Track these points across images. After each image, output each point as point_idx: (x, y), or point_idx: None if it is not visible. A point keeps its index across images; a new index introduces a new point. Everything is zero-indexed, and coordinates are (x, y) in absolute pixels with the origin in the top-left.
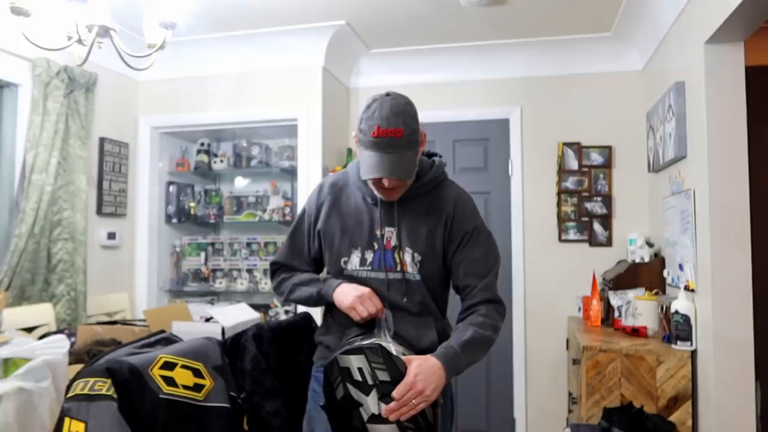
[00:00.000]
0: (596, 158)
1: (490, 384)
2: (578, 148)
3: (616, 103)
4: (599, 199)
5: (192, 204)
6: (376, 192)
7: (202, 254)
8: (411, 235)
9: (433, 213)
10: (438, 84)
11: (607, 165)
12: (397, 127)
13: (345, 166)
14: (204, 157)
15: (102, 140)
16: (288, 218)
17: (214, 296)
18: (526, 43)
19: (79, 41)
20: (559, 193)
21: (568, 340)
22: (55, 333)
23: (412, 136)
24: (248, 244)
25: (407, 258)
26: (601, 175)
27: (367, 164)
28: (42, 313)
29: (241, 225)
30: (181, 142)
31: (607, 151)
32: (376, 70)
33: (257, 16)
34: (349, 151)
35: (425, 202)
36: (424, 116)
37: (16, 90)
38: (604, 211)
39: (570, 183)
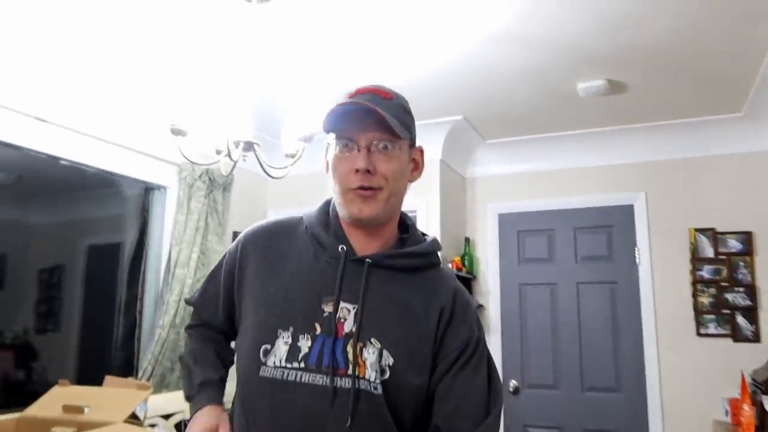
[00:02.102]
0: (734, 245)
1: None
2: (713, 235)
3: (752, 186)
4: (741, 289)
5: None
6: (349, 210)
7: None
8: (382, 320)
9: (423, 297)
10: (556, 171)
11: (748, 252)
12: (384, 90)
13: (463, 257)
14: None
15: (235, 234)
16: None
17: None
18: (647, 128)
19: (228, 155)
20: (694, 283)
21: None
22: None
23: (406, 115)
24: None
25: (369, 356)
26: (742, 264)
27: (330, 119)
28: (178, 400)
29: None
30: None
31: (747, 237)
32: (492, 159)
33: None
34: (467, 240)
35: (412, 279)
36: (542, 204)
37: (164, 192)
38: (748, 302)
39: (706, 272)
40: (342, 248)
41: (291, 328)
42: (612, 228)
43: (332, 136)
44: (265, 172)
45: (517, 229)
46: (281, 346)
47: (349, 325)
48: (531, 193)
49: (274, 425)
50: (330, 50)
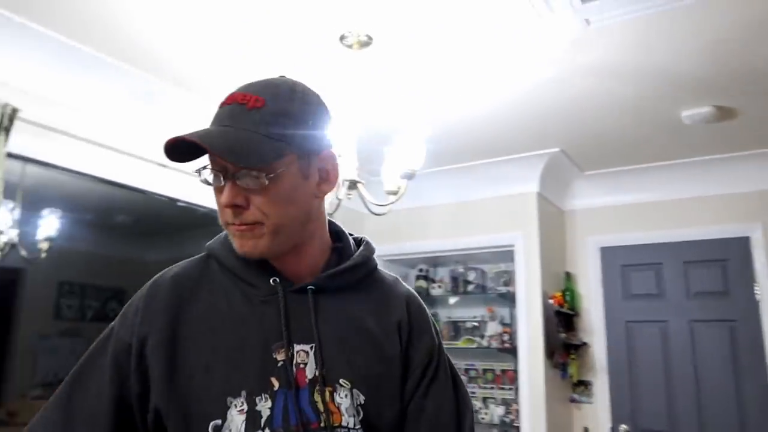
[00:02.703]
0: None
1: None
2: None
3: None
4: None
5: None
6: (233, 240)
7: None
8: (344, 355)
9: (376, 316)
10: (661, 202)
11: None
12: (256, 94)
13: (565, 292)
14: (423, 283)
15: None
16: (507, 345)
17: None
18: (761, 155)
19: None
20: None
21: None
22: None
23: (287, 120)
24: (466, 371)
25: (342, 400)
26: None
27: (172, 146)
28: None
29: (458, 351)
30: (400, 268)
31: None
32: (591, 191)
33: (475, 151)
34: (568, 275)
35: (358, 296)
36: (648, 237)
37: None
38: None
39: None
40: (275, 280)
41: (243, 392)
42: (727, 262)
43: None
44: (369, 209)
45: (621, 263)
46: (236, 417)
47: (311, 370)
48: (635, 226)
49: None
50: (425, 86)
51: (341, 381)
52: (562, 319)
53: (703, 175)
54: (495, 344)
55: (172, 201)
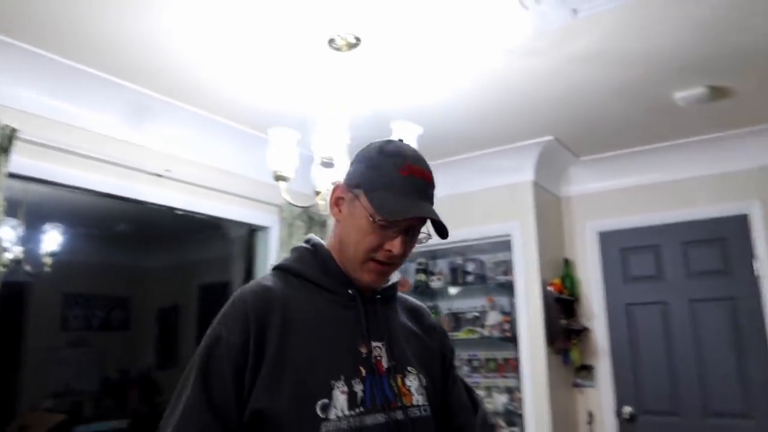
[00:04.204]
0: None
1: None
2: None
3: None
4: None
5: None
6: (360, 274)
7: None
8: (406, 349)
9: (413, 320)
10: (657, 184)
11: None
12: (430, 171)
13: (564, 279)
14: (422, 276)
15: None
16: (508, 334)
17: None
18: (758, 131)
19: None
20: None
21: None
22: None
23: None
24: (469, 361)
25: (412, 383)
26: None
27: (392, 204)
28: None
29: (460, 342)
30: None
31: None
32: (587, 177)
33: (470, 143)
34: (566, 261)
35: (397, 306)
36: (645, 219)
37: (267, 232)
38: None
39: None
40: (354, 291)
41: (342, 377)
42: (726, 240)
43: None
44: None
45: (620, 247)
46: (339, 397)
47: (385, 361)
48: (632, 209)
49: None
50: (415, 83)
51: (408, 368)
52: (562, 306)
53: (698, 155)
54: (496, 334)
55: (170, 209)
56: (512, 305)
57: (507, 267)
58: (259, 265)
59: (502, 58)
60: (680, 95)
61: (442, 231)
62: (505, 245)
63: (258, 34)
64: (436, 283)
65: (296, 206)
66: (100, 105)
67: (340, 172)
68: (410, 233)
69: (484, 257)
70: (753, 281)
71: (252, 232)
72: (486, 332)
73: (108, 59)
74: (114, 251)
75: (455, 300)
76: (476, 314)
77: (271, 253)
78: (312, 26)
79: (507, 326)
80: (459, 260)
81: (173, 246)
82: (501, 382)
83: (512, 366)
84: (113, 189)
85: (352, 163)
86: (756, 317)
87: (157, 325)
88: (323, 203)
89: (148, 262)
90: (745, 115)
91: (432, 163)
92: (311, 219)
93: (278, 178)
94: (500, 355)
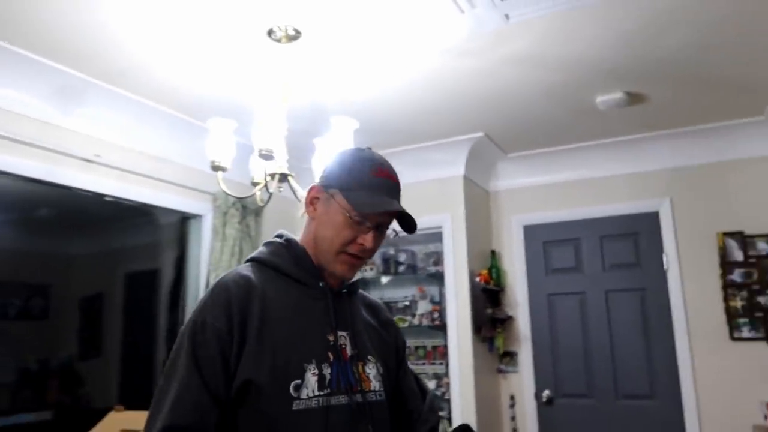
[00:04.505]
0: (764, 248)
1: None
2: (741, 238)
3: None
4: None
5: None
6: (333, 266)
7: None
8: (367, 339)
9: (371, 314)
10: (579, 181)
11: None
12: (397, 176)
13: (491, 270)
14: None
15: None
16: (437, 322)
17: None
18: (670, 135)
19: (265, 187)
20: (724, 287)
21: None
22: None
23: None
24: None
25: (371, 371)
26: None
27: (368, 202)
28: None
29: None
30: None
31: None
32: (514, 173)
33: (401, 135)
34: (493, 253)
35: (358, 300)
36: (567, 214)
37: (200, 220)
38: None
39: (736, 276)
40: (324, 285)
41: (314, 360)
42: (638, 235)
43: (339, 191)
44: (299, 200)
45: (543, 240)
46: (310, 378)
47: (349, 349)
48: (555, 204)
49: None
50: (353, 78)
51: (369, 357)
52: (488, 296)
53: (616, 155)
54: (426, 322)
55: (99, 196)
56: (441, 295)
57: (437, 258)
58: (191, 253)
59: (438, 57)
60: (601, 99)
61: (410, 227)
62: (436, 237)
63: (195, 18)
64: (368, 273)
65: (233, 196)
66: (25, 86)
67: (279, 163)
68: (380, 229)
69: (416, 248)
70: (661, 273)
71: (184, 220)
72: (416, 321)
73: (34, 38)
74: (34, 237)
75: (387, 289)
76: (407, 303)
77: (205, 242)
78: (251, 16)
79: (436, 315)
80: (391, 251)
81: (99, 232)
82: (430, 368)
83: (440, 353)
84: (38, 173)
85: (326, 168)
86: (663, 307)
87: (79, 313)
88: (260, 194)
89: (71, 249)
90: (658, 120)
91: None
92: (245, 208)
93: (216, 168)
94: (429, 342)
